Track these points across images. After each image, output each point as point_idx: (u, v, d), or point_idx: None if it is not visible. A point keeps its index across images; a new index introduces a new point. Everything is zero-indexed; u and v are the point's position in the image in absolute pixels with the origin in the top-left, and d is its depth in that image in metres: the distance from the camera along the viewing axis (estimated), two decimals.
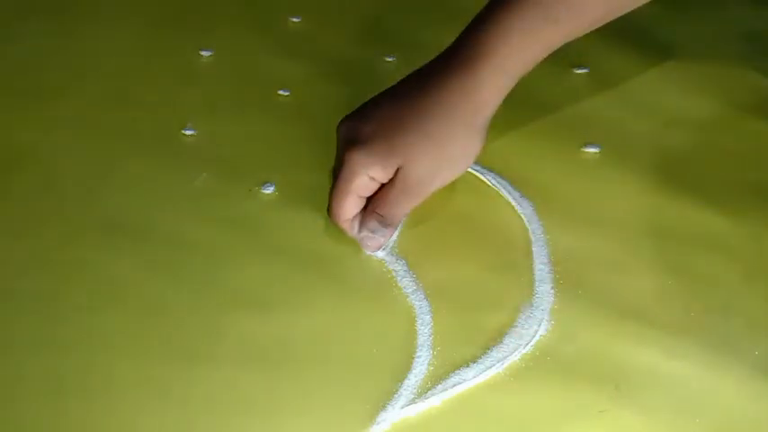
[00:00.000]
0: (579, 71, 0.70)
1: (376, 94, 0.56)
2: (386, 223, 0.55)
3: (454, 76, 0.52)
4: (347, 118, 0.55)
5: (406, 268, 0.56)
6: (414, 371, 0.50)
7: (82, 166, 0.62)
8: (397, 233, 0.58)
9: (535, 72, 0.67)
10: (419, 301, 0.54)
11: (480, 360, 0.51)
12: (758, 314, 0.53)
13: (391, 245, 0.57)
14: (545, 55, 0.54)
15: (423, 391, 0.49)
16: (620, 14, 0.55)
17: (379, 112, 0.54)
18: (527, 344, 0.51)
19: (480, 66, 0.52)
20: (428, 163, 0.53)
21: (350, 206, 0.54)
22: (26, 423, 0.48)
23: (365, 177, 0.53)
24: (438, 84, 0.53)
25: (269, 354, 0.51)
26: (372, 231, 0.55)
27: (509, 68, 0.53)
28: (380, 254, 0.56)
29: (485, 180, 0.61)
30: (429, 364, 0.50)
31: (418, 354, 0.51)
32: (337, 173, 0.54)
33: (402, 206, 0.54)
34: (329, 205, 0.55)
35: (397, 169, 0.53)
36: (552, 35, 0.53)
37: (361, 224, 0.55)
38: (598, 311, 0.53)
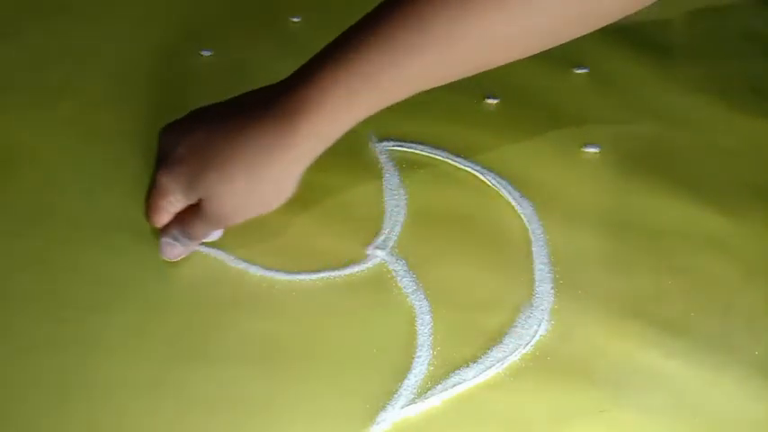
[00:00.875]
0: (579, 71, 0.70)
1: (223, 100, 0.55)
2: (187, 236, 0.55)
3: (269, 129, 0.51)
4: (171, 128, 0.55)
5: (406, 268, 0.56)
6: (414, 371, 0.50)
7: (82, 166, 0.62)
8: (396, 233, 0.58)
9: (535, 72, 0.67)
10: (419, 301, 0.54)
11: (480, 360, 0.51)
12: (758, 314, 0.53)
13: (391, 245, 0.57)
14: (364, 118, 0.52)
15: (423, 391, 0.49)
16: (445, 82, 0.53)
17: (194, 137, 0.53)
18: (527, 344, 0.51)
19: (294, 125, 0.51)
20: (228, 202, 0.52)
21: (161, 217, 0.54)
22: (26, 423, 0.48)
23: (171, 197, 0.53)
24: (253, 128, 0.51)
25: (268, 353, 0.51)
26: (173, 239, 0.55)
27: (323, 131, 0.51)
28: (380, 254, 0.56)
29: (485, 180, 0.61)
30: (429, 364, 0.51)
31: (418, 354, 0.51)
32: (150, 183, 0.55)
33: (203, 229, 0.55)
34: (145, 209, 0.55)
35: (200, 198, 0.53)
36: (372, 102, 0.52)
37: (164, 230, 0.55)
38: (598, 311, 0.53)
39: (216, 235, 0.56)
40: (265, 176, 0.52)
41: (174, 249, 0.55)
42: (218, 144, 0.52)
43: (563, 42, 0.52)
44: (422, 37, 0.50)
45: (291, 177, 0.53)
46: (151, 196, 0.54)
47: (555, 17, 0.50)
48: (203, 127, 0.53)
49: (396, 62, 0.50)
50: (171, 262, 0.55)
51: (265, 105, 0.52)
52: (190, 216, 0.54)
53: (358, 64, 0.50)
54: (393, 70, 0.50)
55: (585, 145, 0.64)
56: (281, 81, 0.53)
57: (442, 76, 0.52)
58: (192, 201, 0.53)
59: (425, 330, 0.52)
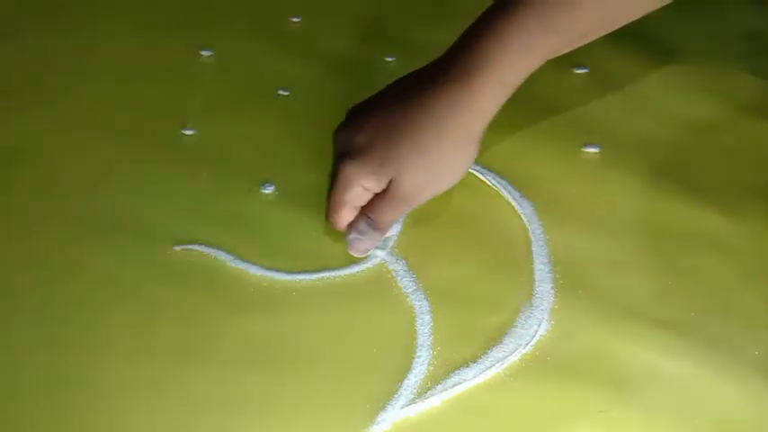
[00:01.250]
0: (579, 71, 0.70)
1: (374, 94, 0.55)
2: (375, 227, 0.55)
3: (450, 89, 0.52)
4: (342, 127, 0.55)
5: (406, 268, 0.56)
6: (414, 371, 0.50)
7: (82, 166, 0.62)
8: (396, 234, 0.58)
9: (535, 72, 0.67)
10: (419, 301, 0.54)
11: (480, 360, 0.51)
12: (758, 314, 0.53)
13: (391, 245, 0.57)
14: (541, 63, 0.53)
15: (423, 391, 0.49)
16: (617, 26, 0.54)
17: (373, 122, 0.53)
18: (527, 344, 0.51)
19: (477, 78, 0.52)
20: (420, 175, 0.53)
21: (345, 214, 0.54)
22: (26, 422, 0.48)
23: (359, 188, 0.53)
24: (432, 95, 0.52)
25: (268, 354, 0.51)
26: (361, 234, 0.55)
27: (506, 79, 0.52)
28: (380, 254, 0.56)
29: (485, 180, 0.61)
30: (429, 364, 0.50)
31: (418, 354, 0.51)
32: (333, 182, 0.54)
33: (393, 213, 0.55)
34: (326, 212, 0.55)
35: (391, 179, 0.53)
36: (550, 44, 0.52)
37: (351, 226, 0.55)
38: (598, 311, 0.53)
39: (395, 229, 0.57)
40: (453, 140, 0.52)
41: (363, 243, 0.55)
42: (401, 120, 0.52)
43: None
44: None
45: (475, 137, 0.53)
46: (335, 193, 0.54)
47: None
48: (377, 113, 0.53)
49: (564, 5, 0.51)
50: (171, 262, 0.55)
51: (440, 72, 0.52)
52: (376, 204, 0.54)
53: (530, 7, 0.51)
54: (565, 12, 0.51)
55: (585, 145, 0.64)
56: (446, 52, 0.54)
57: (610, 17, 0.54)
58: (383, 184, 0.53)
59: (425, 330, 0.52)
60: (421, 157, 0.52)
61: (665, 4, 0.55)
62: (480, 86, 0.52)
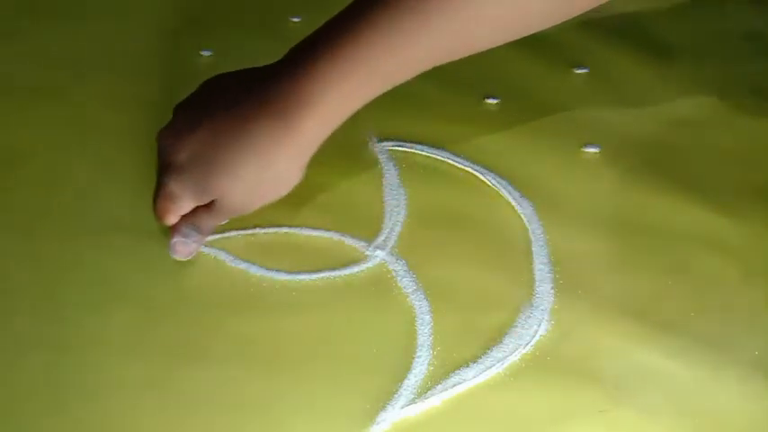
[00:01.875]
0: (579, 71, 0.70)
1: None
2: (199, 231, 0.55)
3: (272, 126, 0.51)
4: (166, 130, 0.55)
5: (406, 268, 0.56)
6: (414, 371, 0.50)
7: (82, 166, 0.62)
8: (396, 233, 0.58)
9: (535, 72, 0.67)
10: (419, 301, 0.54)
11: (480, 360, 0.51)
12: (758, 314, 0.53)
13: (391, 245, 0.57)
14: (366, 101, 0.53)
15: (423, 391, 0.49)
16: (446, 61, 0.53)
17: (195, 140, 0.53)
18: (527, 344, 0.51)
19: (301, 117, 0.51)
20: (240, 198, 0.53)
21: (171, 218, 0.54)
22: (26, 423, 0.47)
23: (180, 203, 0.54)
24: (255, 129, 0.51)
25: (268, 353, 0.51)
26: (185, 236, 0.55)
27: (328, 121, 0.52)
28: (380, 254, 0.56)
29: (485, 180, 0.61)
30: (429, 364, 0.50)
31: (418, 354, 0.51)
32: (156, 189, 0.54)
33: (217, 222, 0.56)
34: (154, 211, 0.55)
35: (213, 199, 0.53)
36: (375, 86, 0.52)
37: (175, 230, 0.55)
38: (598, 311, 0.53)
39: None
40: (274, 169, 0.52)
41: (188, 247, 0.55)
42: (223, 145, 0.52)
43: (555, 23, 0.52)
44: (419, 17, 0.50)
45: (299, 165, 0.53)
46: (160, 200, 0.54)
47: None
48: (202, 128, 0.53)
49: (395, 46, 0.50)
50: (175, 261, 0.55)
51: (266, 100, 0.52)
52: (200, 213, 0.54)
53: (357, 50, 0.50)
54: (394, 53, 0.50)
55: (585, 145, 0.64)
56: (276, 68, 0.53)
57: (440, 56, 0.52)
58: (203, 203, 0.54)
59: (425, 330, 0.52)
60: (240, 185, 0.52)
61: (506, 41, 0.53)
62: (301, 127, 0.51)
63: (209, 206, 0.54)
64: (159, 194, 0.54)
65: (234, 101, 0.53)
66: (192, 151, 0.53)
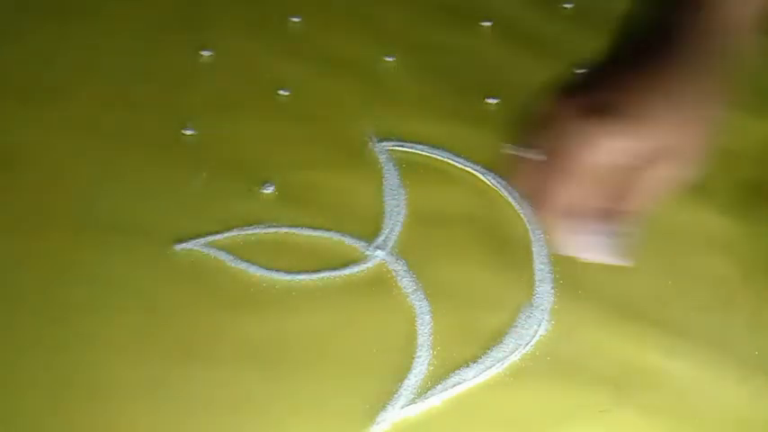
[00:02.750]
0: (580, 71, 0.70)
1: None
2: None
3: None
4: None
5: (406, 268, 0.56)
6: (414, 371, 0.50)
7: (82, 166, 0.62)
8: (396, 233, 0.58)
9: (535, 72, 0.67)
10: (419, 301, 0.54)
11: (480, 360, 0.51)
12: (758, 314, 0.53)
13: (391, 245, 0.57)
14: None
15: (423, 391, 0.49)
16: None
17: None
18: (527, 344, 0.51)
19: None
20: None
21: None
22: (25, 422, 0.48)
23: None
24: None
25: (268, 353, 0.51)
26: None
27: None
28: (380, 254, 0.56)
29: (485, 180, 0.61)
30: (429, 364, 0.51)
31: (418, 354, 0.51)
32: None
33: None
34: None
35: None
36: None
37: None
38: (598, 311, 0.53)
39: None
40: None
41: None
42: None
43: None
44: None
45: None
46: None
47: None
48: None
49: None
50: (171, 262, 0.55)
51: None
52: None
53: None
54: None
55: None
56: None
57: None
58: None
59: (425, 330, 0.52)
60: None
61: None
62: None
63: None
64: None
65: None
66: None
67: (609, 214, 0.44)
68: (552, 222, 0.45)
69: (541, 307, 0.53)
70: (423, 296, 0.54)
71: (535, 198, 0.44)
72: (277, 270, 0.55)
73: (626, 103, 0.43)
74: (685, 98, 0.43)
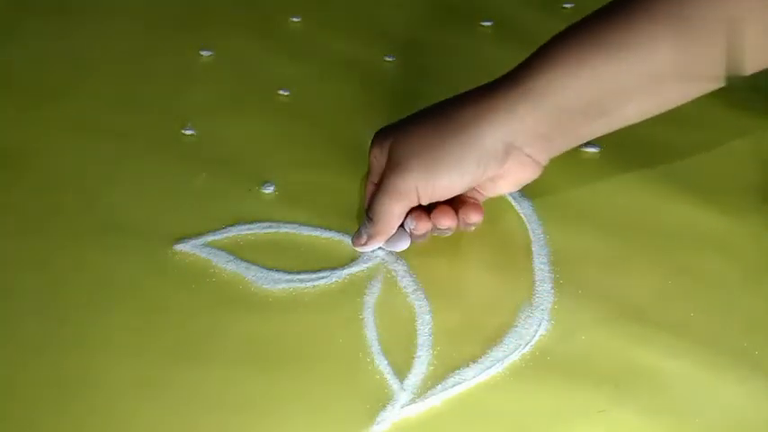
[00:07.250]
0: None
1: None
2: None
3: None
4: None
5: (406, 268, 0.56)
6: (414, 371, 0.50)
7: (82, 166, 0.62)
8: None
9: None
10: (419, 300, 0.54)
11: (480, 360, 0.51)
12: (758, 314, 0.53)
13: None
14: None
15: (423, 391, 0.49)
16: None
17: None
18: (527, 344, 0.51)
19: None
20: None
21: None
22: (26, 422, 0.48)
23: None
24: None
25: (268, 353, 0.51)
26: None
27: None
28: (380, 254, 0.56)
29: None
30: (429, 364, 0.50)
31: (418, 354, 0.51)
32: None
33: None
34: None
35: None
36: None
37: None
38: (598, 311, 0.53)
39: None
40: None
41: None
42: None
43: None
44: None
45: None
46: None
47: None
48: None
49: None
50: (175, 261, 0.55)
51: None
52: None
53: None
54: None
55: (585, 145, 0.64)
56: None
57: None
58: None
59: (425, 330, 0.52)
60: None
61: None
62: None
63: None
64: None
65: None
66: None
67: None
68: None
69: (541, 307, 0.53)
70: (423, 296, 0.54)
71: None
72: (277, 270, 0.55)
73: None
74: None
